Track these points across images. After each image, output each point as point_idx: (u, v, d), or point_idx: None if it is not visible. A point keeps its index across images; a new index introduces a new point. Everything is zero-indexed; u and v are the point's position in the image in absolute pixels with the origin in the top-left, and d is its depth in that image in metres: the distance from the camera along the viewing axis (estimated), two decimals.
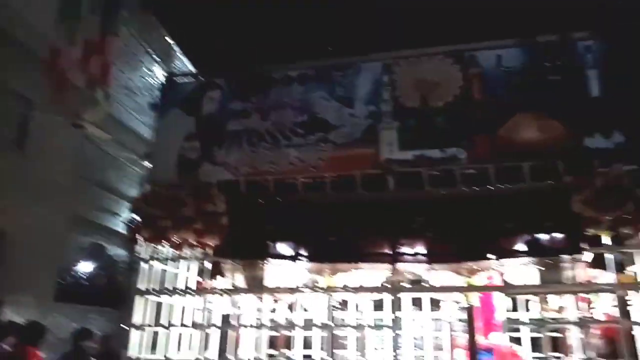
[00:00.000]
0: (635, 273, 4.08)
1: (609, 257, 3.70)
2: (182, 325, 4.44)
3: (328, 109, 4.42)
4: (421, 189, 4.07)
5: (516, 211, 3.77)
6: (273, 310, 5.72)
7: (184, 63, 9.60)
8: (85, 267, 9.50)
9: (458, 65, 4.24)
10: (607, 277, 3.78)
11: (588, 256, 3.89)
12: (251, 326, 4.72)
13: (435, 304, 7.06)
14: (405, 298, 7.08)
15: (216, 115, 4.69)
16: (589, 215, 3.59)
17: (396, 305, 4.10)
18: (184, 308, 4.72)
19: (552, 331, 5.89)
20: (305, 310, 5.73)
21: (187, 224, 4.28)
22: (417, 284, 4.36)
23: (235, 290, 4.30)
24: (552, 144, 3.88)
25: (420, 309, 7.23)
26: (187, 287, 4.87)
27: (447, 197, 3.97)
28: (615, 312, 3.77)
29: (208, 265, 4.43)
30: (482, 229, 3.81)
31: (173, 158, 4.68)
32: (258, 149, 4.47)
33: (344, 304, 5.30)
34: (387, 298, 4.50)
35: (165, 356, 4.26)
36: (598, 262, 3.90)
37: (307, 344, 6.01)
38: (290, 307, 5.29)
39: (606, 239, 3.69)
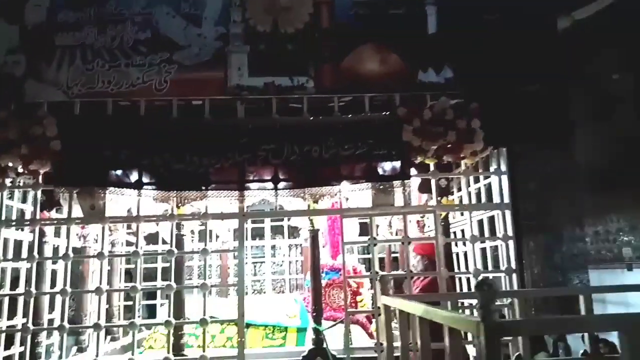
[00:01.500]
0: (460, 197, 4.64)
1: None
2: (9, 259, 4.10)
3: (173, 27, 4.14)
4: (269, 116, 4.08)
5: (355, 140, 3.96)
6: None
7: None
8: None
9: None
10: (433, 201, 4.23)
11: (415, 182, 4.29)
12: (92, 257, 4.51)
13: (293, 232, 7.44)
14: (266, 227, 7.36)
15: (43, 26, 4.13)
16: (417, 144, 3.91)
17: (242, 231, 4.18)
18: (22, 243, 4.36)
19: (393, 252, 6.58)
20: (165, 242, 5.64)
21: (10, 148, 3.84)
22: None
23: (71, 220, 4.02)
24: (391, 76, 4.09)
25: (283, 237, 7.60)
26: (20, 218, 4.48)
27: (292, 125, 4.03)
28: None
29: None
30: (324, 156, 3.96)
31: None
32: (94, 67, 4.07)
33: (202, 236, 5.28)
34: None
35: None
36: (426, 187, 4.34)
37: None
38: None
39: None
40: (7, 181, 4.07)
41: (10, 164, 3.91)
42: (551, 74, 4.16)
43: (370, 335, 4.70)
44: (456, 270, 4.64)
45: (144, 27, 4.12)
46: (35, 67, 4.07)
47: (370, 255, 4.35)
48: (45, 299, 4.44)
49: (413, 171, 4.10)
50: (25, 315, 3.98)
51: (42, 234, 4.30)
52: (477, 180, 4.49)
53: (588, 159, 7.89)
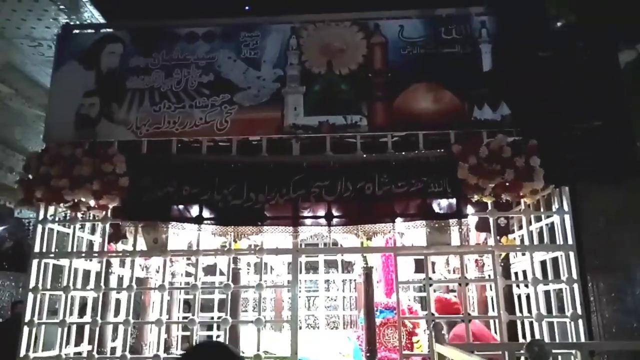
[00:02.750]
0: (520, 237, 4.47)
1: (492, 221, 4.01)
2: (78, 289, 4.34)
3: (234, 70, 4.35)
4: (323, 153, 4.16)
5: (409, 177, 3.95)
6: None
7: (92, 14, 8.95)
8: None
9: (362, 33, 4.30)
10: (491, 240, 4.11)
11: (473, 220, 4.19)
12: (153, 289, 4.70)
13: (347, 267, 7.41)
14: (320, 260, 7.38)
15: (116, 71, 4.47)
16: (473, 182, 3.84)
17: (296, 266, 4.22)
18: (90, 273, 4.63)
19: (450, 290, 6.39)
20: (222, 273, 5.79)
21: (83, 183, 4.14)
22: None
23: (135, 252, 4.23)
24: (445, 114, 4.08)
25: (337, 271, 7.59)
26: (89, 250, 4.77)
27: (346, 162, 4.08)
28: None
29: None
30: (377, 194, 3.96)
31: (71, 114, 4.44)
32: (161, 108, 4.33)
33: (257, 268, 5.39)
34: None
35: (63, 319, 4.15)
36: (484, 226, 4.23)
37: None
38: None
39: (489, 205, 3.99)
40: (79, 215, 4.36)
41: (83, 199, 4.19)
42: (614, 109, 3.99)
43: None
44: (517, 314, 4.42)
45: (207, 71, 4.36)
46: (108, 109, 4.39)
47: (426, 294, 4.26)
48: (109, 327, 4.65)
49: (470, 209, 4.02)
50: (90, 342, 4.18)
51: (108, 264, 4.55)
52: (538, 219, 4.31)
53: None
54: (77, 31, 4.81)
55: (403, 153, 4.04)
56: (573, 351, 3.71)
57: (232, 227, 4.17)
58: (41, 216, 4.28)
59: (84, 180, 4.10)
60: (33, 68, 8.81)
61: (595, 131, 3.99)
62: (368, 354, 4.13)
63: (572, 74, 4.06)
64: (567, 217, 3.97)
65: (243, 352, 4.31)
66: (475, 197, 3.95)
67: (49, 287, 4.25)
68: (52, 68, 4.70)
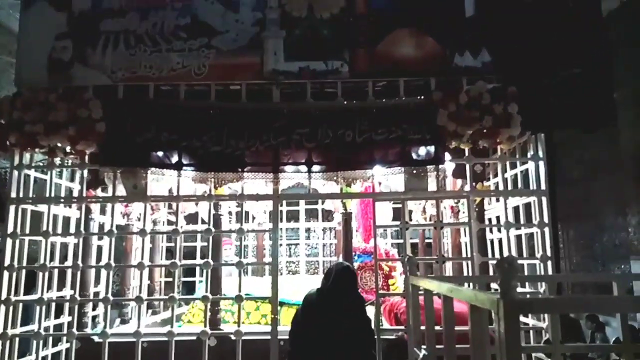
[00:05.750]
0: (495, 184, 4.58)
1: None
2: (59, 234, 4.35)
3: (212, 13, 4.22)
4: (303, 100, 4.13)
5: (389, 124, 3.96)
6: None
7: None
8: None
9: None
10: (467, 186, 4.21)
11: (450, 167, 4.27)
12: (134, 233, 4.73)
13: (327, 216, 7.54)
14: (301, 210, 7.48)
15: (89, 12, 4.30)
16: (452, 129, 3.88)
17: (276, 212, 4.28)
18: (70, 220, 4.62)
19: (426, 238, 6.58)
20: (204, 222, 5.84)
21: (59, 129, 4.06)
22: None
23: (115, 198, 4.23)
24: (427, 60, 4.06)
25: (317, 220, 7.73)
26: (68, 196, 4.74)
27: (326, 109, 4.07)
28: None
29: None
30: (357, 141, 3.99)
31: (43, 58, 4.29)
32: (136, 52, 4.21)
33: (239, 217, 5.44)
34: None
35: (44, 264, 4.18)
36: (461, 172, 4.32)
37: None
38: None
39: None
40: (57, 160, 4.30)
41: (59, 144, 4.13)
42: (595, 58, 4.02)
43: None
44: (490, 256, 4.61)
45: (184, 13, 4.21)
46: (82, 52, 4.24)
47: (402, 240, 4.38)
48: (91, 273, 4.71)
49: (447, 156, 4.08)
50: (72, 287, 4.24)
51: (88, 211, 4.56)
52: (514, 167, 4.42)
53: (633, 145, 7.58)
54: None
55: (384, 100, 4.04)
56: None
57: (212, 173, 4.17)
58: (16, 162, 4.21)
59: (59, 126, 4.03)
60: (1, 12, 8.41)
61: (575, 79, 4.02)
62: None
63: (555, 21, 4.05)
64: (541, 164, 4.07)
65: (224, 294, 4.43)
66: (454, 144, 4.00)
67: (27, 232, 4.23)
68: (20, 8, 4.49)
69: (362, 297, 3.49)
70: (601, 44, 4.13)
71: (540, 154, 4.09)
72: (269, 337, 3.91)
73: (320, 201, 7.04)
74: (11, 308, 4.06)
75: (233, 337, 3.91)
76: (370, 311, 4.47)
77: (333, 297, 3.26)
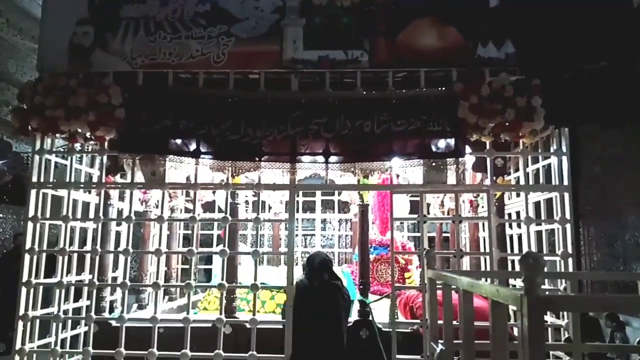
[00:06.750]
0: (516, 178, 4.49)
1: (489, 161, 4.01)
2: (78, 219, 4.41)
3: (232, 0, 4.20)
4: (322, 89, 4.09)
5: (409, 116, 3.90)
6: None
7: None
8: None
9: None
10: (487, 180, 4.13)
11: (470, 160, 4.20)
12: (152, 220, 4.77)
13: (343, 207, 7.51)
14: (317, 200, 7.46)
15: None
16: (473, 122, 3.80)
17: (293, 201, 4.27)
18: (89, 206, 4.68)
19: (443, 232, 6.51)
20: (221, 210, 5.87)
21: (79, 114, 4.09)
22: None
23: (134, 184, 4.25)
24: (448, 51, 3.97)
25: (333, 211, 7.71)
26: (88, 181, 4.80)
27: (345, 99, 4.02)
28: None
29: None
30: (376, 132, 3.94)
31: (64, 43, 4.31)
32: (156, 38, 4.21)
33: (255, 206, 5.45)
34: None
35: (63, 248, 4.24)
36: (481, 166, 4.24)
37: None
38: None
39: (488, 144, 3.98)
40: (77, 146, 4.35)
41: (79, 130, 4.16)
42: (621, 52, 3.89)
43: None
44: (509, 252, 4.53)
45: (204, 0, 4.20)
46: (102, 38, 4.26)
47: (419, 234, 4.33)
48: (110, 258, 4.77)
49: (468, 149, 4.01)
50: (91, 271, 4.30)
51: (107, 197, 4.60)
52: (535, 161, 4.32)
53: None
54: None
55: (404, 91, 3.98)
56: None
57: (230, 162, 4.16)
58: (37, 146, 4.27)
59: (79, 111, 4.06)
60: None
61: (601, 73, 3.90)
62: (361, 287, 4.25)
63: (582, 12, 3.92)
64: (564, 159, 3.97)
65: (240, 283, 4.44)
66: (474, 137, 3.93)
67: (48, 216, 4.30)
68: None
69: (337, 283, 3.85)
70: (630, 37, 3.99)
71: (564, 148, 3.99)
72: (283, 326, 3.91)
73: (336, 192, 7.01)
74: (32, 290, 4.13)
75: (248, 325, 3.92)
76: (381, 303, 4.46)
77: (318, 283, 3.78)
